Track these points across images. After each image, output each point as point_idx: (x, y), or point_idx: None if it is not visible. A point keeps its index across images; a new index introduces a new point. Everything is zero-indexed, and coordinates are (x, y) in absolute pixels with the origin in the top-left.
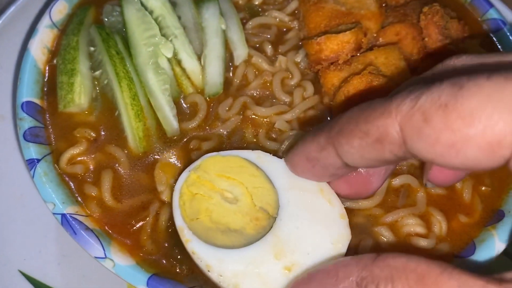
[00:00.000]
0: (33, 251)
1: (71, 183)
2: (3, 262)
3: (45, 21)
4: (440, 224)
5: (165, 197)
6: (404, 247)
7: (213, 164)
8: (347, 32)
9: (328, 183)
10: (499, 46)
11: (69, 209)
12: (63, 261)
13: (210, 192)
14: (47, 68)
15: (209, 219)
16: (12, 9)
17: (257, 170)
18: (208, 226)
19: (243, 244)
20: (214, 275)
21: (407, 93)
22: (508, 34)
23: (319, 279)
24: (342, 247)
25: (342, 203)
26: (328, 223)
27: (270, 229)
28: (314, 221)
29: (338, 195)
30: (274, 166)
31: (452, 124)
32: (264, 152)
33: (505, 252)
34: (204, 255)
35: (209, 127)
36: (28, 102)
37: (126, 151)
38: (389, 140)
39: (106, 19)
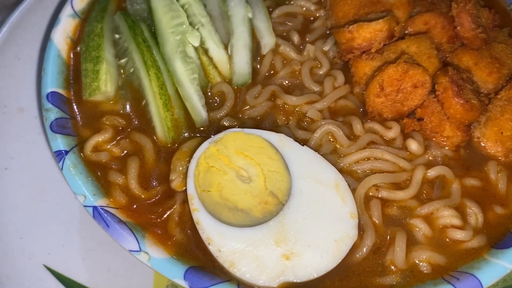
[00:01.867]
0: (57, 245)
1: (98, 172)
2: (27, 256)
3: (67, 10)
4: (476, 216)
5: (174, 185)
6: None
7: (234, 140)
8: (380, 20)
9: None
10: None
11: (100, 202)
12: (87, 256)
13: (225, 167)
14: (71, 55)
15: (219, 194)
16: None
17: (276, 153)
18: (217, 200)
19: (247, 224)
20: (213, 249)
21: None
22: None
23: None
24: (345, 246)
25: (379, 192)
26: (336, 220)
27: (276, 215)
28: (322, 215)
29: None
30: (294, 152)
31: None
32: (286, 136)
33: None
34: (208, 227)
35: (241, 114)
36: (53, 93)
37: (153, 139)
38: None
39: (130, 7)
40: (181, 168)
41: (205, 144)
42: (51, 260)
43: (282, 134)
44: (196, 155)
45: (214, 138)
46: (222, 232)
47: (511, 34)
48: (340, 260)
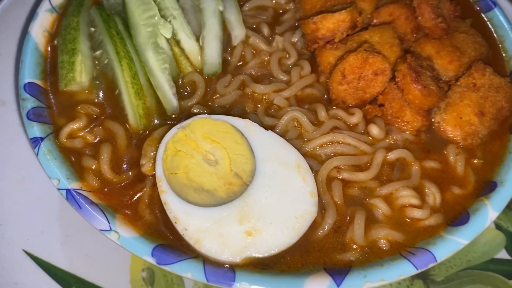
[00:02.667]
0: (36, 232)
1: (72, 157)
2: (7, 242)
3: (45, 5)
4: (434, 196)
5: (144, 170)
6: (398, 218)
7: (201, 126)
8: (343, 11)
9: None
10: (490, 25)
11: (74, 185)
12: (66, 241)
13: (193, 151)
14: (48, 48)
15: (185, 176)
16: None
17: (241, 138)
18: (184, 182)
19: (212, 204)
20: (180, 227)
21: None
22: (498, 14)
23: None
24: (305, 222)
25: (340, 173)
26: (296, 199)
27: (240, 195)
28: (284, 195)
29: None
30: (259, 136)
31: None
32: (252, 122)
33: (497, 226)
34: (174, 207)
35: (211, 102)
36: (30, 84)
37: (125, 126)
38: None
39: (106, 1)
40: (152, 153)
41: (174, 129)
42: (30, 246)
43: (248, 120)
44: (165, 140)
45: (182, 124)
46: (188, 211)
47: (473, 25)
48: (300, 236)
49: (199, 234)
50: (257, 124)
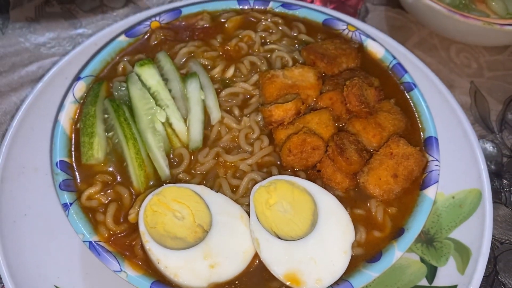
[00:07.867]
0: (64, 270)
1: (90, 215)
2: (42, 279)
3: (69, 98)
4: (361, 234)
5: (130, 218)
6: None
7: (170, 192)
8: (289, 103)
9: None
10: (411, 103)
11: (94, 238)
12: (86, 277)
13: (165, 210)
14: (72, 131)
15: (163, 229)
16: (40, 85)
17: (200, 199)
18: (162, 233)
19: (184, 247)
20: (161, 266)
21: None
22: (417, 93)
23: None
24: (249, 255)
25: None
26: (242, 239)
27: (203, 239)
28: (233, 236)
29: None
30: (211, 197)
31: None
32: (205, 187)
33: (421, 259)
34: (157, 252)
35: (193, 170)
36: (60, 161)
37: (130, 190)
38: None
39: (116, 93)
40: (137, 207)
41: (150, 196)
42: (60, 281)
43: (203, 186)
44: (144, 203)
45: (155, 191)
46: (167, 254)
47: (398, 102)
48: (247, 264)
49: (176, 270)
50: (209, 189)
